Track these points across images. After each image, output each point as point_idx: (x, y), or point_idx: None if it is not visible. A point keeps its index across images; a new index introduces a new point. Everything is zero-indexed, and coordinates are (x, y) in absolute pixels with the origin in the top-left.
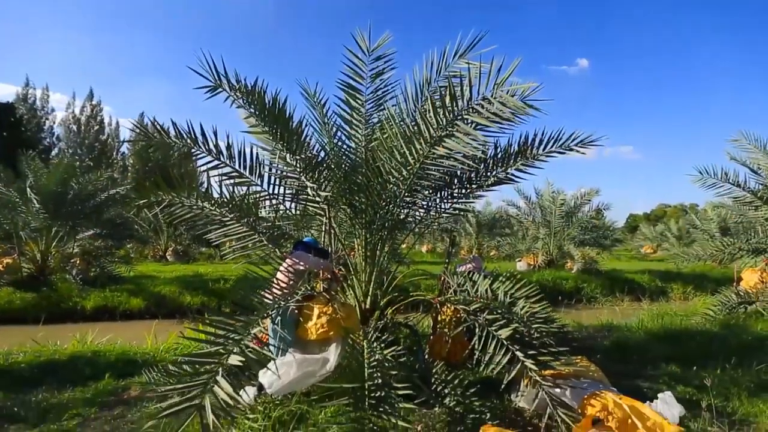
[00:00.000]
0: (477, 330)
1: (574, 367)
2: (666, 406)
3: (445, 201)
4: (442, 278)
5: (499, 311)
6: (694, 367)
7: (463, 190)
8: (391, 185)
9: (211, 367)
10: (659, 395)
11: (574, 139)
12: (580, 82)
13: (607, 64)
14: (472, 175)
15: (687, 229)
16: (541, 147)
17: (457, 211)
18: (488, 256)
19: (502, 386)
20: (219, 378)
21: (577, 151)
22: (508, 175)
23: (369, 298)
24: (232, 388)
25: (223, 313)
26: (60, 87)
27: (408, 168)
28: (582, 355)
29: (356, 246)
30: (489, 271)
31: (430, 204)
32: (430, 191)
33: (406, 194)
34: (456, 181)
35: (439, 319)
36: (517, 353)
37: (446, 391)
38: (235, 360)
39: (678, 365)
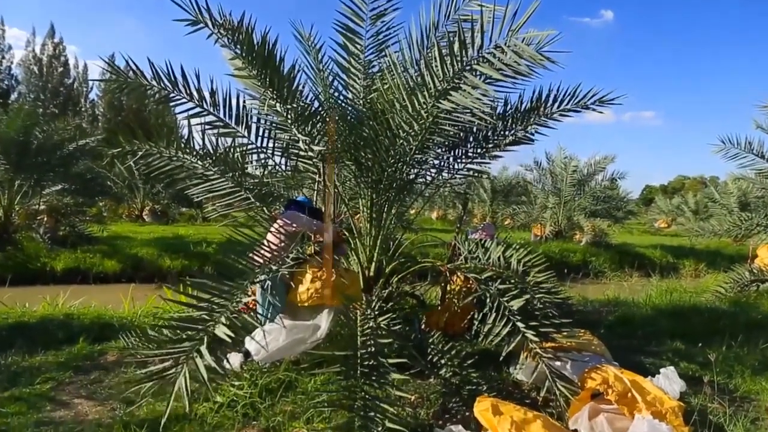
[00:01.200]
0: (488, 300)
1: (577, 340)
2: (667, 381)
3: (459, 161)
4: (453, 244)
5: (512, 281)
6: (700, 344)
7: (479, 150)
8: (401, 140)
9: (195, 335)
10: (661, 370)
11: (592, 97)
12: (603, 36)
13: (634, 18)
14: (489, 132)
15: (705, 203)
16: (557, 104)
17: (471, 173)
18: (502, 225)
19: (501, 358)
20: (202, 348)
21: (595, 110)
22: (527, 134)
23: (373, 264)
24: (214, 357)
25: (207, 276)
26: (17, 21)
27: (420, 122)
28: (586, 328)
29: (361, 208)
30: (501, 239)
31: (442, 163)
32: (443, 149)
33: (417, 151)
34: (471, 138)
35: (449, 288)
36: (518, 324)
37: (442, 361)
38: (221, 331)
39: (683, 342)
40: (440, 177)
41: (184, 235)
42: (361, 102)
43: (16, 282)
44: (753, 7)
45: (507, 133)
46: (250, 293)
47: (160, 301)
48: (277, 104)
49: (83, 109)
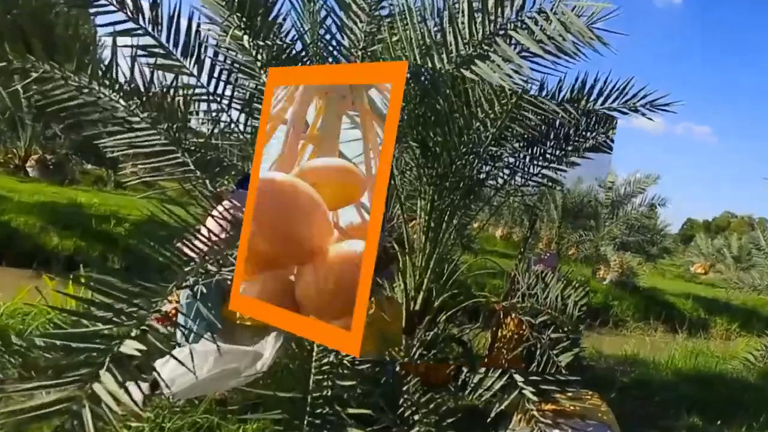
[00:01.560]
0: (538, 352)
1: (582, 404)
2: None
3: (536, 162)
4: (512, 276)
5: (566, 328)
6: (718, 421)
7: (558, 151)
8: (478, 122)
9: (93, 357)
10: None
11: (643, 98)
12: (666, 20)
13: (706, 8)
14: (571, 130)
15: (749, 250)
16: (601, 99)
17: (545, 180)
18: (566, 254)
19: (489, 419)
20: (103, 373)
21: (644, 115)
22: (608, 139)
23: (422, 294)
24: (119, 386)
25: (113, 271)
26: None
27: (502, 101)
28: (594, 390)
29: (418, 211)
30: (562, 273)
31: (517, 163)
32: (521, 143)
33: (493, 141)
34: (552, 135)
35: (500, 334)
36: (516, 376)
37: (416, 417)
38: (130, 348)
39: (701, 417)
40: (512, 181)
41: (84, 203)
42: (359, 54)
43: None
44: None
45: (588, 134)
46: (172, 299)
47: (37, 296)
48: (245, 37)
49: None
